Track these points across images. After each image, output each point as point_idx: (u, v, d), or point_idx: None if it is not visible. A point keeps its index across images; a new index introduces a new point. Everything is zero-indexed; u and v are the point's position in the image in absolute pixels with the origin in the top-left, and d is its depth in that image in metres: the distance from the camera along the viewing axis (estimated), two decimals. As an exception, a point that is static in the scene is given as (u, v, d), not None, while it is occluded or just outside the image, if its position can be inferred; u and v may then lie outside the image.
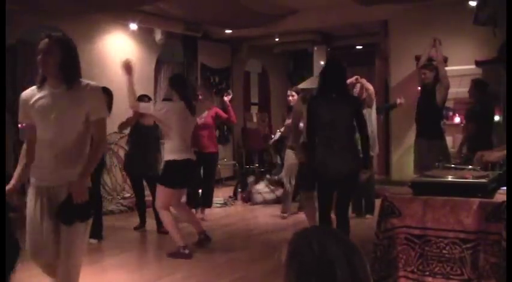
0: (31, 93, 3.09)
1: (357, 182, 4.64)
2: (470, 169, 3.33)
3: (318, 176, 4.56)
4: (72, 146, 3.01)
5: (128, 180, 8.05)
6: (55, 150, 3.00)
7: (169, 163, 5.09)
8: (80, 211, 2.97)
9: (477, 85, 6.11)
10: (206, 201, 7.02)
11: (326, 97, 4.49)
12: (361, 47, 11.10)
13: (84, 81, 3.05)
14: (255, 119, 11.48)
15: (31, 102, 3.05)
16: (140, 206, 6.47)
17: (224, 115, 6.93)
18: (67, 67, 2.99)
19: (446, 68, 6.04)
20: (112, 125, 7.48)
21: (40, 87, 3.05)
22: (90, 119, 3.00)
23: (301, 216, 6.43)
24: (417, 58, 7.47)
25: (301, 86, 10.06)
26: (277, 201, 7.79)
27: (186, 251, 5.04)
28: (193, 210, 6.58)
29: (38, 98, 3.03)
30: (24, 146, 3.20)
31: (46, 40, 3.03)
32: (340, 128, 4.42)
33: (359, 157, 4.54)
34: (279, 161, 8.78)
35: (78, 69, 3.07)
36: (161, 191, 5.14)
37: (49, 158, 3.01)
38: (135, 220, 6.50)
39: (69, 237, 2.99)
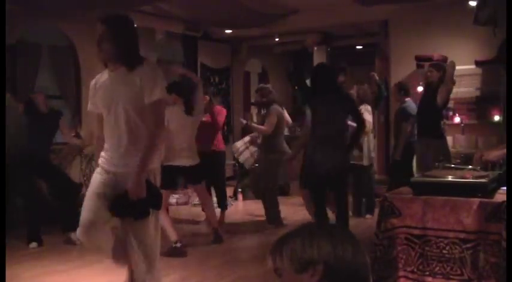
0: (97, 78, 3.02)
1: (344, 177, 4.88)
2: (470, 169, 3.33)
3: (312, 174, 4.73)
4: (130, 132, 2.86)
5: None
6: (116, 136, 2.90)
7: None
8: (134, 208, 2.80)
9: (400, 88, 6.83)
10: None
11: (319, 98, 4.69)
12: (361, 47, 11.10)
13: (145, 62, 2.92)
14: (255, 119, 11.47)
15: (96, 88, 2.99)
16: None
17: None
18: (125, 48, 2.88)
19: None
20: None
21: (106, 71, 2.97)
22: (145, 102, 2.81)
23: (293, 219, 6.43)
24: (417, 58, 7.50)
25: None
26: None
27: (178, 245, 5.06)
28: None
29: (101, 83, 2.96)
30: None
31: (100, 25, 2.88)
32: (332, 127, 4.63)
33: (345, 154, 4.79)
34: None
35: (136, 48, 2.95)
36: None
37: (112, 144, 2.93)
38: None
39: (132, 232, 2.88)
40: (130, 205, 2.77)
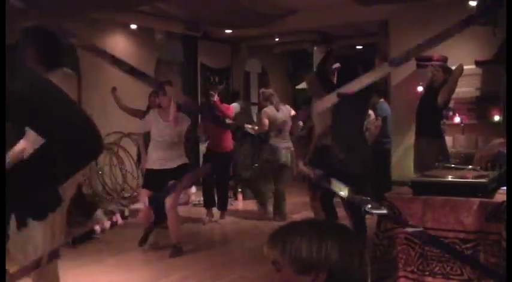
0: None
1: (369, 177, 4.88)
2: (470, 169, 3.33)
3: (331, 172, 4.74)
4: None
5: (128, 180, 8.03)
6: (35, 145, 2.87)
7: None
8: (33, 209, 2.85)
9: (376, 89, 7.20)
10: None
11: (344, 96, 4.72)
12: (361, 47, 11.10)
13: (64, 69, 2.95)
14: (255, 119, 11.47)
15: None
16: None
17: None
18: (44, 57, 2.91)
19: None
20: (110, 124, 7.52)
21: None
22: None
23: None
24: (417, 58, 7.49)
25: (301, 86, 10.10)
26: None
27: (180, 246, 5.16)
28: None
29: None
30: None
31: (20, 34, 2.95)
32: (354, 126, 4.66)
33: (370, 153, 4.84)
34: None
35: (53, 53, 2.96)
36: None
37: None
38: (135, 221, 6.49)
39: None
40: (29, 206, 2.74)
